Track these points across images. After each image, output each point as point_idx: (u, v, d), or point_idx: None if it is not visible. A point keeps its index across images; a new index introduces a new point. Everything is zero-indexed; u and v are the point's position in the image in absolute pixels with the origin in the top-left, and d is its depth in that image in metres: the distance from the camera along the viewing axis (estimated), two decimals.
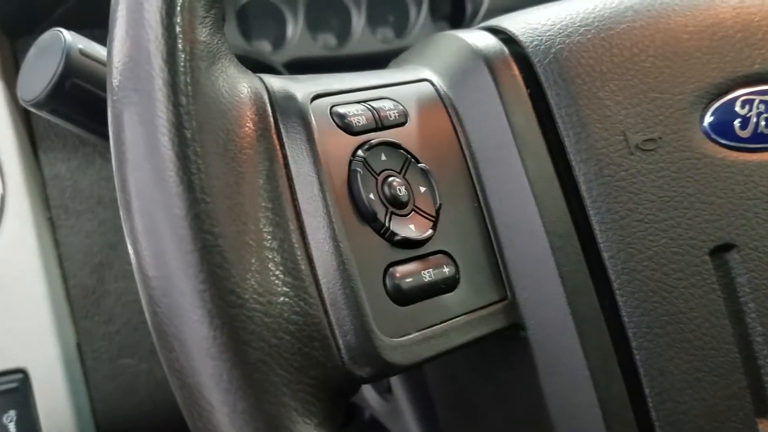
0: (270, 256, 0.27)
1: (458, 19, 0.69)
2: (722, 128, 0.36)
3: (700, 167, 0.34)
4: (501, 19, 0.38)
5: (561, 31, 0.35)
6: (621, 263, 0.32)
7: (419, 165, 0.32)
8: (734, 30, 0.38)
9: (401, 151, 0.32)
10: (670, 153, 0.34)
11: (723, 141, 0.36)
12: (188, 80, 0.26)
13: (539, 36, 0.35)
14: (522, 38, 0.35)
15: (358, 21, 0.65)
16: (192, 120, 0.26)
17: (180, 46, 0.26)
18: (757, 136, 0.36)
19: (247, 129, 0.28)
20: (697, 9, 0.38)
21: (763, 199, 0.35)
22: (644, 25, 0.36)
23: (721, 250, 0.34)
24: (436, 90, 0.35)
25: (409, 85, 0.35)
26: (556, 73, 0.34)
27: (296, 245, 0.28)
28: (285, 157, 0.29)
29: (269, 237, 0.27)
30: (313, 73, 0.34)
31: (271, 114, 0.29)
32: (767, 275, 0.34)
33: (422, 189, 0.32)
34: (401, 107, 0.33)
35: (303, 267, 0.28)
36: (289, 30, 0.62)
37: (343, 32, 0.65)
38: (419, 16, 0.67)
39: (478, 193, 0.34)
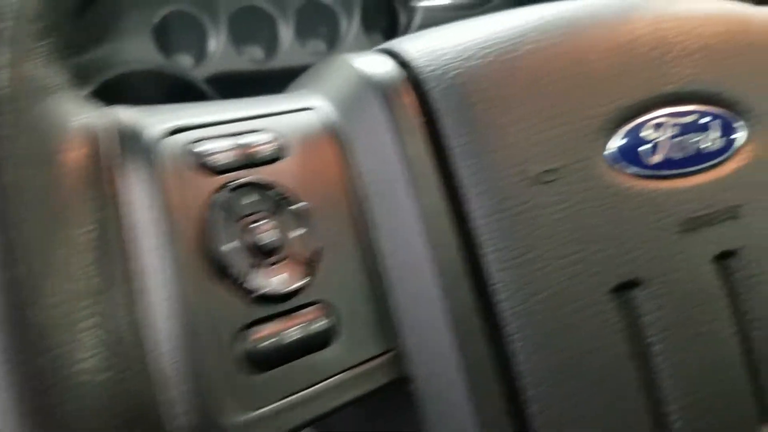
0: (90, 328, 0.24)
1: (392, 31, 0.67)
2: (630, 155, 0.34)
3: (605, 197, 0.32)
4: (402, 40, 0.36)
5: (460, 54, 0.33)
6: (517, 305, 0.30)
7: (295, 205, 0.29)
8: (648, 48, 0.36)
9: (273, 191, 0.29)
10: (571, 184, 0.32)
11: (632, 168, 0.33)
12: (4, 122, 0.23)
13: (435, 60, 0.33)
14: (418, 62, 0.33)
15: (287, 32, 0.62)
16: (6, 172, 0.23)
17: None
18: (668, 162, 0.34)
19: (74, 176, 0.25)
20: (610, 26, 0.36)
21: (672, 230, 0.33)
22: (550, 45, 0.34)
23: (625, 287, 0.32)
24: (323, 119, 0.32)
25: (290, 114, 0.32)
26: (452, 99, 0.32)
27: (122, 313, 0.25)
28: (122, 205, 0.26)
29: (88, 308, 0.24)
30: (239, 89, 0.31)
31: (112, 154, 0.27)
32: (675, 314, 0.32)
33: (298, 232, 0.29)
34: (279, 140, 0.30)
35: (130, 338, 0.25)
36: (211, 43, 0.59)
37: (271, 44, 0.62)
38: (350, 28, 0.64)
39: (366, 232, 0.31)
